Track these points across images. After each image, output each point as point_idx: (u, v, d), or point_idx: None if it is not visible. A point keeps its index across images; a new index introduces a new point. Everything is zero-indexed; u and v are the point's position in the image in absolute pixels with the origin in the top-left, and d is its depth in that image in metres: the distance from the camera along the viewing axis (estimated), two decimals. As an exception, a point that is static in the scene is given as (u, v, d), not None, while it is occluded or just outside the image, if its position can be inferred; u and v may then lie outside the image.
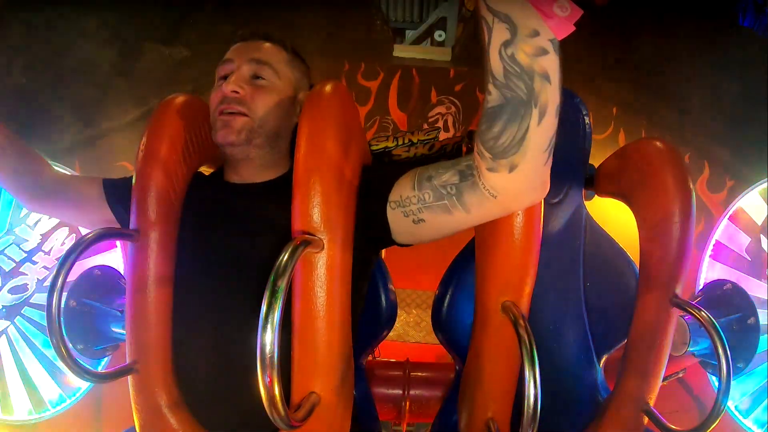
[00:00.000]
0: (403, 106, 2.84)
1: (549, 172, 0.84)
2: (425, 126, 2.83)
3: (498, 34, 0.69)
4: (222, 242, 1.08)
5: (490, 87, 0.73)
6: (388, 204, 0.98)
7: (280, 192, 1.03)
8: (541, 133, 0.75)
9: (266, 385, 0.76)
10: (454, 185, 0.89)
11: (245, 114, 1.08)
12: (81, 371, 0.99)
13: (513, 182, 0.81)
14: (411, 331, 2.49)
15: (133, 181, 1.09)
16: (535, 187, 0.86)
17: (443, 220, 0.93)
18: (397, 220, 0.99)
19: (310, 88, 1.18)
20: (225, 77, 1.12)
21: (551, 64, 0.70)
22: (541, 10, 0.67)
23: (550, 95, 0.71)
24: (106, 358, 1.80)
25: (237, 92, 1.08)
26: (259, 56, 1.11)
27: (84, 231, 1.92)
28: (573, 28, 0.68)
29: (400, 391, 1.62)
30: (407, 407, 1.63)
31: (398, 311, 1.40)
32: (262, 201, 1.10)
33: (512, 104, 0.72)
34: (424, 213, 0.94)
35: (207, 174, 1.25)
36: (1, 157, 1.12)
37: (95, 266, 1.79)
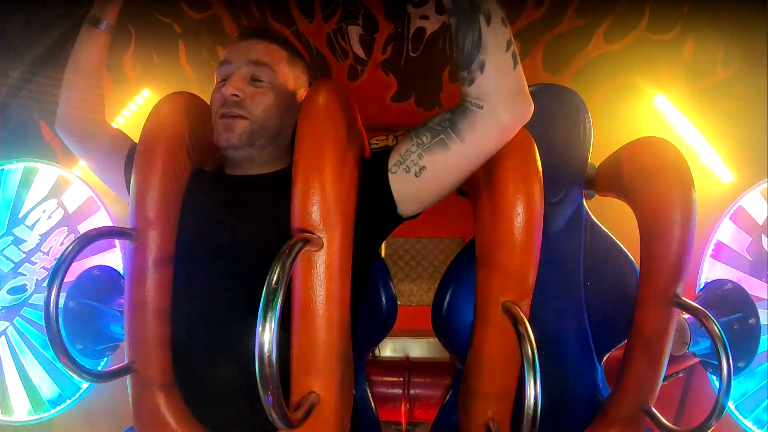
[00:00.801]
0: None
1: (523, 81, 0.95)
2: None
3: None
4: (220, 239, 1.08)
5: (450, 19, 0.93)
6: (389, 171, 1.01)
7: (280, 185, 1.03)
8: (493, 32, 0.91)
9: (265, 384, 0.76)
10: (447, 119, 0.98)
11: (245, 117, 1.09)
12: (80, 371, 0.98)
13: (488, 81, 0.92)
14: (405, 289, 2.28)
15: (132, 179, 1.09)
16: (514, 92, 0.94)
17: (443, 160, 0.98)
18: (399, 183, 1.01)
19: (310, 84, 1.18)
20: (224, 79, 1.12)
21: None
22: None
23: (490, 5, 0.90)
24: (106, 358, 1.80)
25: (236, 95, 1.08)
26: (257, 57, 1.11)
27: (84, 229, 1.92)
28: None
29: (400, 391, 1.62)
30: (407, 407, 1.62)
31: (388, 264, 1.37)
32: (263, 193, 1.10)
33: (464, 18, 0.91)
34: (424, 158, 0.99)
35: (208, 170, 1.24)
36: (84, 77, 1.25)
37: (94, 266, 1.79)
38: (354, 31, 2.21)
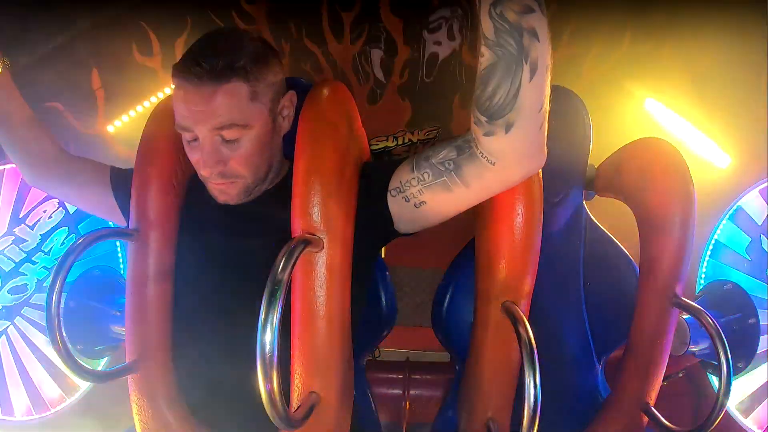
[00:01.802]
0: (397, 11, 2.30)
1: (545, 138, 0.85)
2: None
3: None
4: (222, 241, 1.08)
5: (483, 49, 0.77)
6: (388, 192, 0.98)
7: (281, 194, 1.02)
8: (533, 90, 0.77)
9: (266, 384, 0.76)
10: (452, 160, 0.90)
11: (235, 180, 1.01)
12: (81, 371, 0.99)
13: (510, 143, 0.82)
14: (411, 314, 2.27)
15: (133, 180, 1.09)
16: (533, 153, 0.86)
17: (444, 199, 0.94)
18: (398, 207, 0.98)
19: (286, 87, 1.07)
20: (192, 140, 0.99)
21: (538, 22, 0.74)
22: None
23: (540, 52, 0.75)
24: (106, 358, 1.80)
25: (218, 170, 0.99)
26: (220, 121, 0.94)
27: (84, 231, 1.92)
28: None
29: (400, 391, 1.62)
30: (407, 407, 1.63)
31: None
32: (263, 202, 1.10)
33: (504, 60, 0.76)
34: (425, 194, 0.94)
35: None
36: (12, 128, 1.14)
37: (95, 266, 1.79)
38: (376, 54, 2.34)
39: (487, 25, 0.75)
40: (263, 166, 1.04)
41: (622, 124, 1.78)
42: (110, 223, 1.93)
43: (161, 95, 2.28)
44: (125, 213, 1.15)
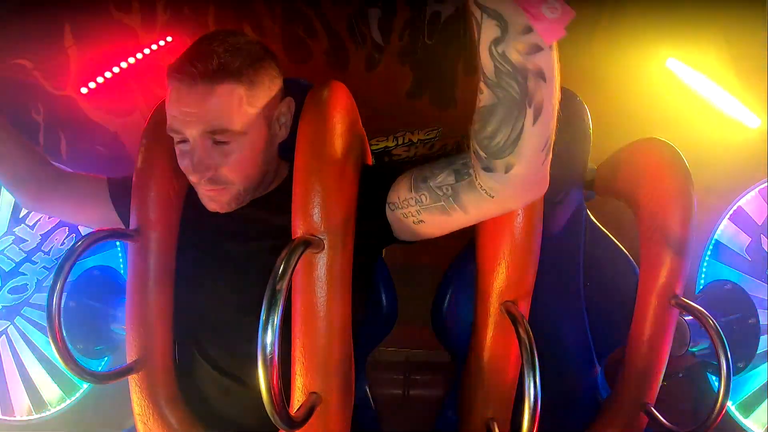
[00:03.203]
0: None
1: (548, 169, 0.81)
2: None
3: (488, 32, 0.65)
4: (223, 242, 1.08)
5: (482, 86, 0.71)
6: (387, 206, 0.97)
7: (281, 197, 1.02)
8: (536, 133, 0.72)
9: (266, 385, 0.76)
10: (450, 186, 0.87)
11: (226, 186, 0.99)
12: (81, 372, 0.99)
13: (509, 183, 0.78)
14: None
15: (133, 180, 1.09)
16: (534, 185, 0.83)
17: (442, 220, 0.93)
18: (397, 221, 0.98)
19: (284, 92, 1.05)
20: (182, 141, 0.96)
21: (546, 61, 0.66)
22: (529, 12, 0.62)
23: (546, 94, 0.68)
24: (106, 358, 1.80)
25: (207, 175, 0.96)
26: (212, 126, 0.92)
27: (85, 231, 1.93)
28: (563, 33, 0.63)
29: (400, 391, 1.62)
30: (407, 407, 1.63)
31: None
32: (264, 204, 1.10)
33: (505, 104, 0.70)
34: (423, 215, 0.93)
35: None
36: (3, 154, 1.08)
37: (95, 266, 1.79)
38: (373, 14, 2.15)
39: (487, 64, 0.68)
40: (255, 175, 1.02)
41: (644, 86, 1.72)
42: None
43: (140, 56, 2.06)
44: (126, 222, 1.14)
